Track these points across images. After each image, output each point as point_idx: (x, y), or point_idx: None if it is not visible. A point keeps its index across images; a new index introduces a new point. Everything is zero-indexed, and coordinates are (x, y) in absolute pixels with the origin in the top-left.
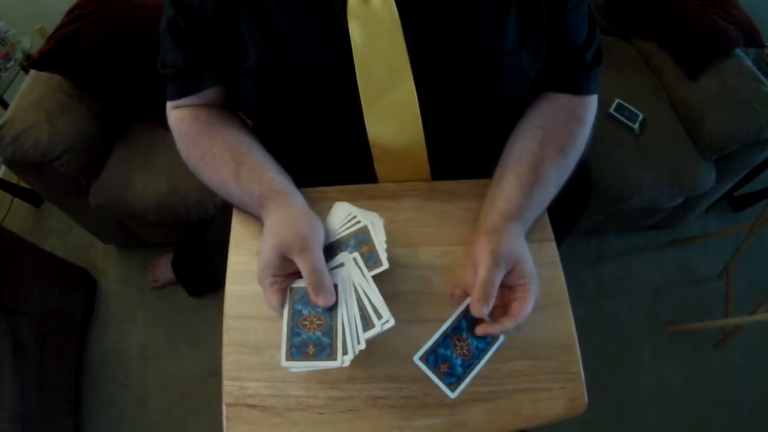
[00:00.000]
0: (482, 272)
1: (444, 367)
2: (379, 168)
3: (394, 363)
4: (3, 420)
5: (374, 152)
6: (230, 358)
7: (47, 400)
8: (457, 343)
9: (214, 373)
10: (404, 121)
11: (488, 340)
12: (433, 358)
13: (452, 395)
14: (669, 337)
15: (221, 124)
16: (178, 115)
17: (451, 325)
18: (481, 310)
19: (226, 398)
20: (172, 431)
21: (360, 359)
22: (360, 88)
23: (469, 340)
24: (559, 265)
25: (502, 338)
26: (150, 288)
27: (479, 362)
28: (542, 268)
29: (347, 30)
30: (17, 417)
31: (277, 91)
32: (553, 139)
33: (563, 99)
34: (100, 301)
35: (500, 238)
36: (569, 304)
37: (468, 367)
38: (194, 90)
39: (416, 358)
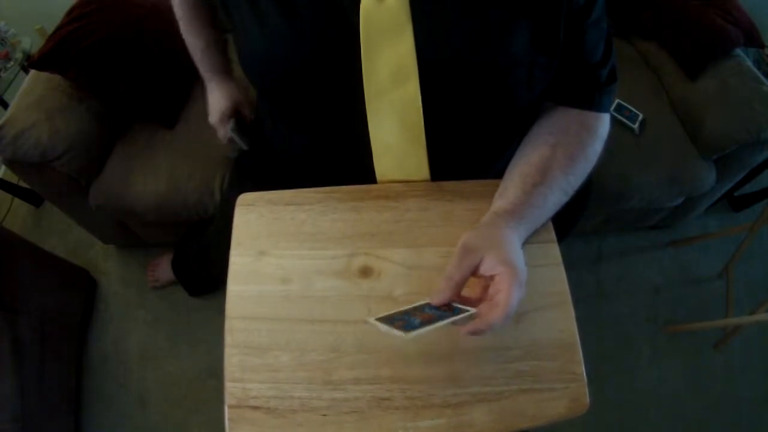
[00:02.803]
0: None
1: (399, 323)
2: (378, 165)
3: (398, 364)
4: (3, 420)
5: (374, 149)
6: (233, 360)
7: (47, 400)
8: (418, 313)
9: (214, 373)
10: (406, 120)
11: (455, 311)
12: (390, 320)
13: (405, 336)
14: (669, 337)
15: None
16: None
17: (414, 306)
18: (434, 297)
19: (228, 400)
20: (172, 431)
21: (363, 360)
22: (364, 84)
23: (432, 312)
24: (562, 266)
25: (471, 310)
26: (150, 288)
27: (440, 321)
28: (545, 269)
29: (356, 24)
30: (17, 417)
31: (280, 78)
32: (563, 146)
33: (575, 111)
34: (100, 301)
35: (474, 231)
36: (571, 304)
37: (427, 323)
38: None
39: (372, 319)
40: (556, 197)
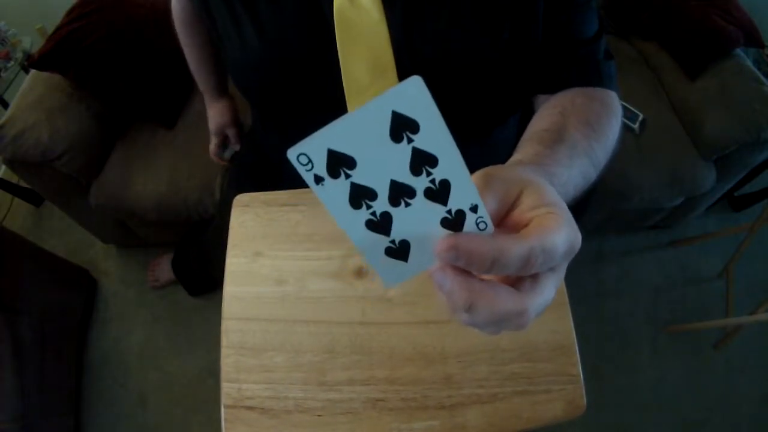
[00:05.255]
0: None
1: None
2: None
3: (392, 365)
4: (3, 420)
5: None
6: (229, 360)
7: (47, 400)
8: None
9: (214, 372)
10: None
11: None
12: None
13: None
14: (669, 337)
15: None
16: None
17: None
18: (440, 244)
19: (224, 400)
20: (172, 431)
21: (358, 361)
22: (344, 83)
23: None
24: None
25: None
26: (150, 288)
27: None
28: None
29: (332, 23)
30: (17, 417)
31: (261, 79)
32: (573, 113)
33: (578, 89)
34: (100, 301)
35: (495, 167)
36: (569, 305)
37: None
38: None
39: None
40: (582, 161)
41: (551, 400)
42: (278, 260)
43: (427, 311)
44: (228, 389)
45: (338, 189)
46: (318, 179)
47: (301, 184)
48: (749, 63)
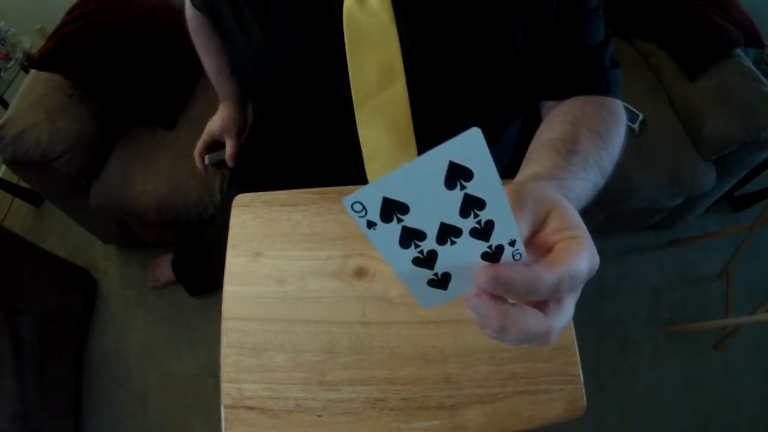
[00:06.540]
0: None
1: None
2: (370, 168)
3: (393, 365)
4: (3, 420)
5: (364, 152)
6: (229, 360)
7: (47, 400)
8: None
9: (214, 373)
10: (395, 122)
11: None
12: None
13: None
14: (669, 337)
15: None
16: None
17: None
18: (482, 275)
19: (224, 400)
20: (172, 431)
21: (358, 361)
22: (352, 87)
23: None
24: None
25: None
26: (150, 288)
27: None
28: None
29: (341, 26)
30: (17, 417)
31: (268, 81)
32: (583, 122)
33: (586, 97)
34: (100, 301)
35: (523, 184)
36: None
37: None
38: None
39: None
40: (593, 174)
41: (551, 400)
42: (278, 260)
43: (427, 311)
44: (228, 389)
45: (389, 232)
46: (370, 224)
47: (301, 184)
48: (749, 63)
